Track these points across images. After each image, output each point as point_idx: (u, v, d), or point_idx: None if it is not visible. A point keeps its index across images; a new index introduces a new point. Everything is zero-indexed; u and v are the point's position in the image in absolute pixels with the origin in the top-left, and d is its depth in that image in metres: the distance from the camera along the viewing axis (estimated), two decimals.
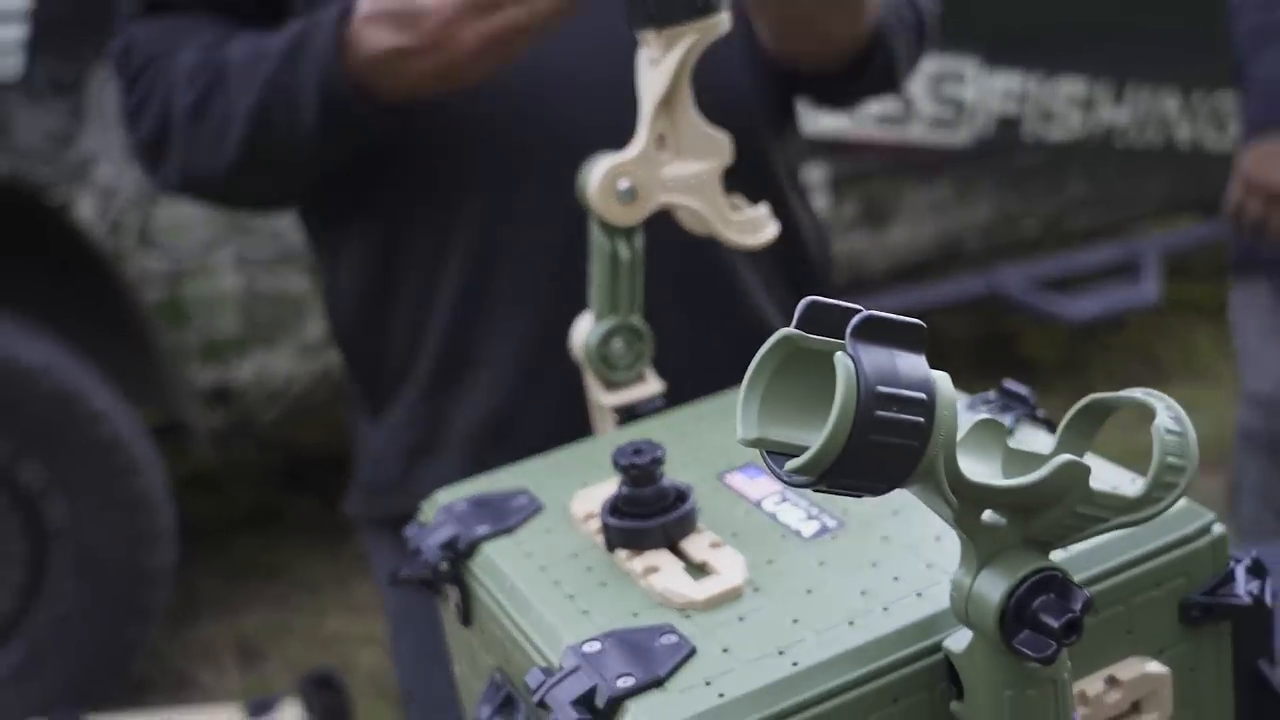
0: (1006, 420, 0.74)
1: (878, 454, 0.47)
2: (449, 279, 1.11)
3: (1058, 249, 3.29)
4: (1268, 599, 0.64)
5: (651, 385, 0.88)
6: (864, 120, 2.72)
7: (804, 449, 0.47)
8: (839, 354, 0.47)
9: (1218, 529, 0.64)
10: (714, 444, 0.77)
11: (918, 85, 2.78)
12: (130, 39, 1.14)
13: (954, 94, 2.84)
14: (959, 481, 0.51)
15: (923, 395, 0.48)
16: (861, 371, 0.46)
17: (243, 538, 3.04)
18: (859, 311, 0.48)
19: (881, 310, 0.49)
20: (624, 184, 0.84)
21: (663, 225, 0.90)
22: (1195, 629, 0.64)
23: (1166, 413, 0.54)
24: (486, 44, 0.95)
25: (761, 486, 0.73)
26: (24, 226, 2.39)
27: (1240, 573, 0.64)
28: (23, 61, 2.15)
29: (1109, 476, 0.67)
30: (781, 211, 1.04)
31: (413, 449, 1.16)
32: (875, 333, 0.48)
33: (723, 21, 0.83)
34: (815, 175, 2.70)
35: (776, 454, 0.50)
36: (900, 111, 2.78)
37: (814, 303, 0.50)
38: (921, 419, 0.47)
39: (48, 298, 2.53)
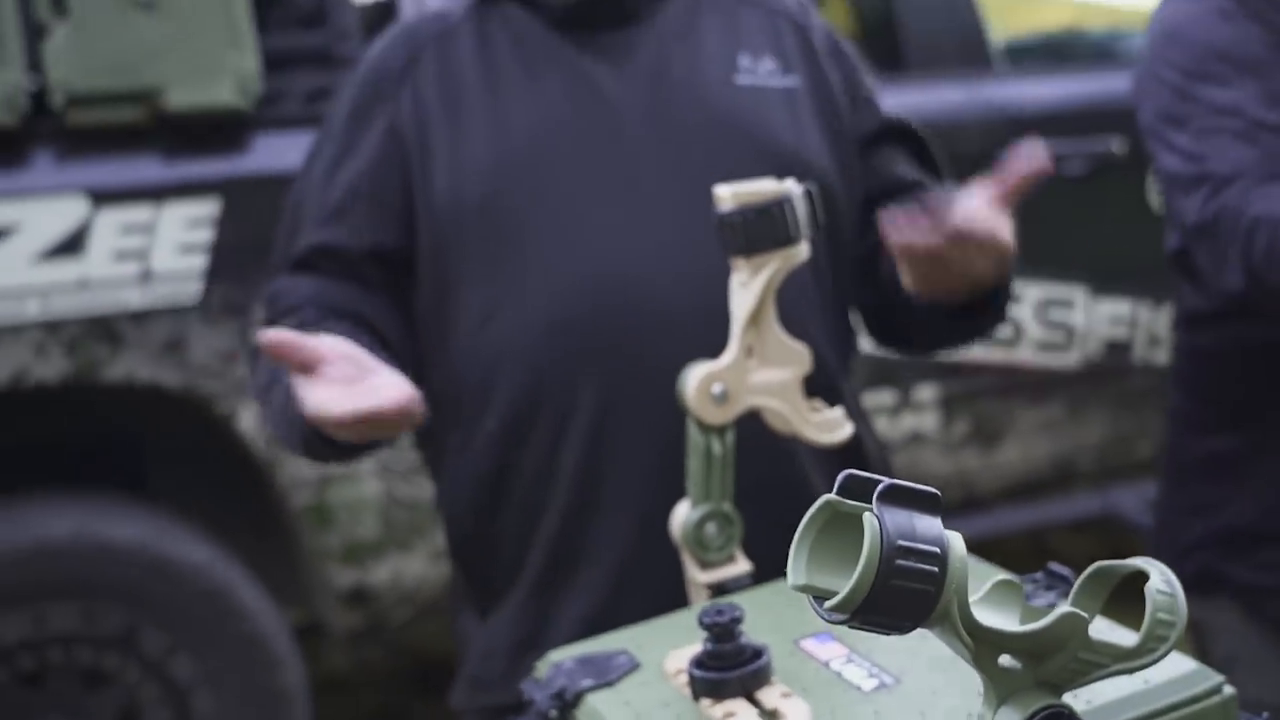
0: (1050, 597, 0.84)
1: (899, 596, 0.58)
2: (556, 493, 1.23)
3: None
4: None
5: (741, 565, 0.99)
6: None
7: None
8: (867, 514, 0.59)
9: (1228, 690, 0.73)
10: (792, 615, 0.88)
11: (1025, 310, 2.89)
12: (276, 290, 1.31)
13: (1062, 319, 2.94)
14: (973, 625, 0.61)
15: (937, 549, 0.59)
16: (885, 528, 0.58)
17: None
18: (883, 481, 0.60)
19: (905, 482, 0.60)
20: (717, 388, 0.97)
21: (746, 436, 1.02)
22: None
23: (1159, 577, 0.64)
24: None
25: (830, 650, 0.83)
26: (190, 434, 2.61)
27: None
28: (201, 288, 2.40)
29: (1114, 634, 0.76)
30: None
31: (520, 644, 1.26)
32: (898, 498, 0.60)
33: (802, 251, 0.97)
34: (925, 394, 2.80)
35: (821, 598, 0.62)
36: (1010, 334, 2.88)
37: (850, 474, 0.62)
38: (935, 569, 0.59)
39: (206, 499, 2.73)
